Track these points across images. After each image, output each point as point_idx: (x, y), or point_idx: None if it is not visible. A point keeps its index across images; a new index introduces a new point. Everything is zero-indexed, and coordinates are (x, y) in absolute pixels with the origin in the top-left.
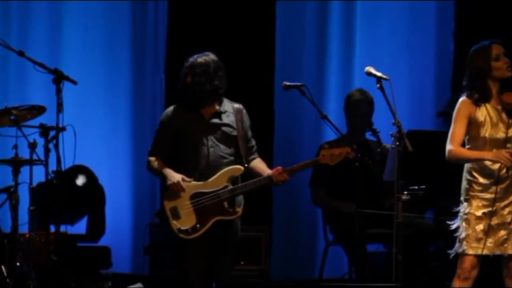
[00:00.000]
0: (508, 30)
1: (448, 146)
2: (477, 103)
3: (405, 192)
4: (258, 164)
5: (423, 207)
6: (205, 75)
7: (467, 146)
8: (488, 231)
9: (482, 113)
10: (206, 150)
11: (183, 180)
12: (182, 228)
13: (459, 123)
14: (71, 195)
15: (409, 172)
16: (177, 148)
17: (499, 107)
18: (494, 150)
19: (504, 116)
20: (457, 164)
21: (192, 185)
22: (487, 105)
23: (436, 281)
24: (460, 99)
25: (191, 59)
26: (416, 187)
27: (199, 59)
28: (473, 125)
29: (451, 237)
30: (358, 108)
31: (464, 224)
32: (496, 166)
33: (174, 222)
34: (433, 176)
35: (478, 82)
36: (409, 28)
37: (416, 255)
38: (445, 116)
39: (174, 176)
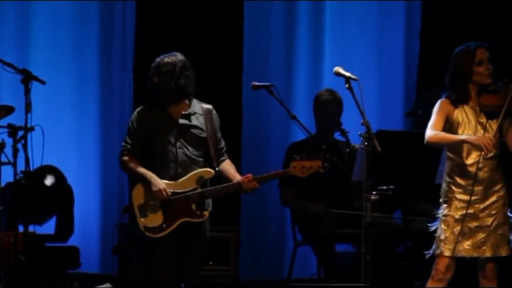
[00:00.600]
0: (473, 29)
1: (428, 131)
2: (456, 103)
3: (374, 192)
4: (228, 167)
5: (392, 207)
6: (171, 74)
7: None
8: (466, 233)
9: (460, 114)
10: (174, 151)
11: (164, 189)
12: (148, 226)
13: (439, 116)
14: (39, 195)
15: (378, 172)
16: (146, 148)
17: (478, 109)
18: (479, 135)
19: (482, 118)
20: (426, 164)
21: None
22: (465, 106)
23: (404, 281)
24: (440, 99)
25: (158, 59)
26: (385, 187)
27: (166, 59)
28: (450, 125)
29: (419, 237)
30: (327, 108)
31: (443, 225)
32: (475, 167)
33: (141, 219)
34: (402, 176)
35: (458, 83)
36: (378, 28)
37: (385, 255)
38: (414, 116)
39: (159, 183)
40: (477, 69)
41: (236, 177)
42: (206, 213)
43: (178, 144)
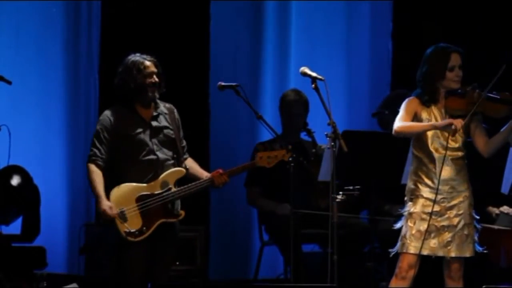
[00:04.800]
0: (444, 30)
1: (397, 123)
2: (425, 103)
3: (340, 193)
4: (192, 164)
5: (358, 207)
6: (161, 78)
7: (411, 145)
8: (433, 232)
9: (428, 113)
10: (153, 153)
11: (110, 207)
12: (129, 231)
13: (407, 112)
14: (6, 195)
15: (344, 173)
16: (120, 152)
17: (443, 111)
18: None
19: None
20: (392, 164)
21: (137, 188)
22: (433, 106)
23: (371, 281)
24: (408, 98)
25: (150, 58)
26: (351, 188)
27: (154, 60)
28: (418, 122)
29: (386, 238)
30: (293, 108)
31: (409, 223)
32: (441, 167)
33: (122, 225)
34: (368, 177)
35: (429, 85)
36: (344, 28)
37: (351, 255)
38: (380, 117)
39: (105, 204)
40: (448, 74)
41: (204, 173)
42: (182, 212)
43: (155, 146)
